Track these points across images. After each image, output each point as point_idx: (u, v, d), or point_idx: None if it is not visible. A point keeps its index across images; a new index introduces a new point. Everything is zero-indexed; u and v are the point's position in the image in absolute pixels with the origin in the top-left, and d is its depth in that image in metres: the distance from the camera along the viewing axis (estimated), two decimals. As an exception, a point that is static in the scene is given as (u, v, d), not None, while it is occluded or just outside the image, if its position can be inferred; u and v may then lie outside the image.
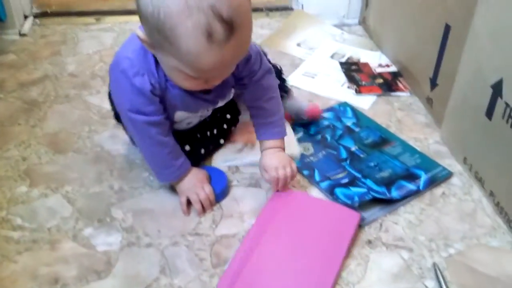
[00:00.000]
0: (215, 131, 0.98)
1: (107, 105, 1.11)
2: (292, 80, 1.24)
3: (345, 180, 0.92)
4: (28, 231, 0.83)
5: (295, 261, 0.77)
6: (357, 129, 1.06)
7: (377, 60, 1.33)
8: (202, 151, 0.95)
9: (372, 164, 0.97)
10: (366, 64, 1.31)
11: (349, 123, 1.08)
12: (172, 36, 0.66)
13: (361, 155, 0.99)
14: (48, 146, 1.01)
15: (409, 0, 1.19)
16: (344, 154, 0.99)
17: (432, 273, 0.78)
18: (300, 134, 1.04)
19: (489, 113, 0.86)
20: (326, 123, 1.08)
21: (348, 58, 1.35)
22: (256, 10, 1.53)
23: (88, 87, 1.19)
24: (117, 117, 0.97)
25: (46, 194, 0.90)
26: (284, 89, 1.03)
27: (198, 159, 0.94)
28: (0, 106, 1.12)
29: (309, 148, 1.01)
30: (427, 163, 0.97)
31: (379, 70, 1.29)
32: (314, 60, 1.34)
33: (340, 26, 1.52)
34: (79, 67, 1.27)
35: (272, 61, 0.94)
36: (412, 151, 1.01)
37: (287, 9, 1.59)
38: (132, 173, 0.95)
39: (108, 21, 1.51)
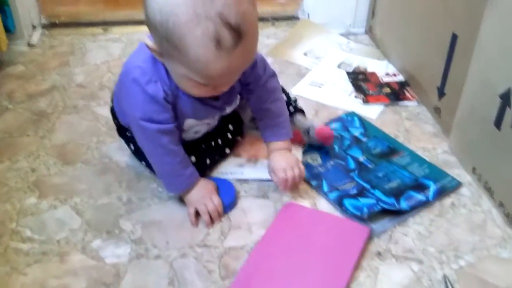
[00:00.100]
0: (219, 141, 0.98)
1: (114, 118, 1.12)
2: (298, 89, 1.24)
3: (354, 191, 0.92)
4: (37, 243, 0.83)
5: (304, 275, 0.76)
6: (365, 139, 1.06)
7: (384, 69, 1.33)
8: (208, 161, 0.95)
9: (380, 174, 0.96)
10: (373, 74, 1.31)
11: (356, 133, 1.08)
12: (181, 45, 0.67)
13: (369, 166, 0.99)
14: (57, 157, 1.01)
15: (415, 9, 1.19)
16: (352, 165, 0.99)
17: (443, 285, 0.77)
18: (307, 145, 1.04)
19: (498, 122, 0.86)
20: (333, 133, 1.08)
21: (355, 68, 1.35)
22: (262, 20, 1.53)
23: (96, 98, 1.20)
24: (120, 131, 0.98)
25: (55, 206, 0.90)
26: (296, 108, 1.04)
27: (204, 169, 0.94)
28: (9, 117, 1.13)
29: (317, 158, 1.01)
30: (436, 173, 0.97)
31: (386, 79, 1.29)
32: (321, 69, 1.35)
33: (346, 35, 1.52)
34: (87, 77, 1.28)
35: (278, 71, 0.95)
36: (421, 161, 1.00)
37: (293, 18, 1.59)
38: (141, 184, 0.95)
39: (115, 31, 1.52)
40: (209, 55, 0.67)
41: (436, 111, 1.12)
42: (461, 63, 0.99)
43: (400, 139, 1.07)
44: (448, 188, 0.94)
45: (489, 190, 0.92)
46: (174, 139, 0.83)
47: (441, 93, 1.09)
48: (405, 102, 1.20)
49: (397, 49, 1.33)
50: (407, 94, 1.22)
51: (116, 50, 1.41)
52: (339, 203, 0.90)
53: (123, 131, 0.96)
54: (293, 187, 0.89)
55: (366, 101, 1.20)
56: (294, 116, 1.02)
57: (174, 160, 0.84)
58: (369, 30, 1.51)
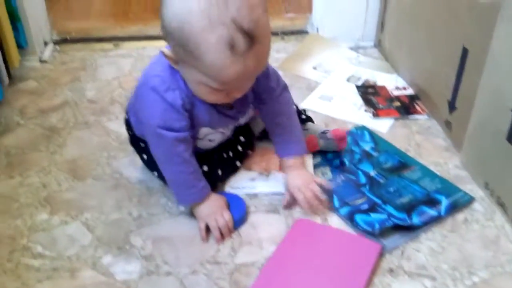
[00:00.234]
0: (230, 154, 0.98)
1: (125, 131, 1.12)
2: (308, 103, 1.24)
3: (365, 206, 0.92)
4: (48, 259, 0.83)
5: (316, 290, 0.76)
6: (375, 154, 1.06)
7: (393, 83, 1.33)
8: (219, 172, 0.95)
9: (391, 189, 0.96)
10: (383, 87, 1.31)
11: (367, 147, 1.08)
12: (196, 50, 0.69)
13: (381, 180, 0.98)
14: (68, 173, 1.02)
15: (425, 23, 1.19)
16: (363, 179, 0.99)
17: (456, 302, 0.76)
18: (318, 159, 1.03)
19: (510, 137, 0.85)
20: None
21: (365, 81, 1.35)
22: (271, 34, 1.54)
23: (107, 113, 1.21)
24: (133, 142, 0.98)
25: (66, 222, 0.90)
26: (306, 117, 1.08)
27: (215, 180, 0.94)
28: (21, 133, 1.14)
29: (327, 173, 1.00)
30: (448, 188, 0.96)
31: (396, 93, 1.29)
32: (330, 83, 1.35)
33: (356, 49, 1.52)
34: (98, 93, 1.29)
35: (287, 85, 0.96)
36: (432, 175, 0.99)
37: (302, 32, 1.60)
38: (151, 199, 0.95)
39: (126, 46, 1.53)
40: (224, 59, 0.69)
41: (447, 125, 1.11)
42: (472, 77, 0.98)
43: (411, 154, 1.07)
44: (460, 203, 0.93)
45: (502, 206, 0.91)
46: (188, 148, 0.84)
47: (452, 107, 1.08)
48: (416, 116, 1.19)
49: (407, 62, 1.33)
50: (417, 108, 1.22)
51: (126, 66, 1.42)
52: (350, 218, 0.89)
53: (137, 142, 0.96)
54: (312, 205, 0.89)
55: (376, 115, 1.20)
56: (305, 124, 1.05)
57: (188, 170, 0.85)
58: (378, 44, 1.51)
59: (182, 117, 0.81)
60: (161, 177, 0.92)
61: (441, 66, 1.11)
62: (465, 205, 0.93)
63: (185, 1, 0.68)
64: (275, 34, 1.57)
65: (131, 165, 1.03)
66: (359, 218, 0.89)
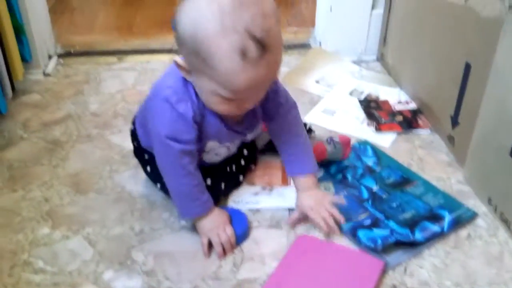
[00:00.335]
0: (233, 168, 0.98)
1: (128, 145, 1.12)
2: (311, 117, 1.24)
3: (368, 222, 0.91)
4: (49, 274, 0.83)
5: (318, 307, 0.75)
6: (378, 169, 1.05)
7: (396, 97, 1.33)
8: (222, 186, 0.95)
9: (394, 204, 0.95)
10: (385, 101, 1.31)
11: (369, 162, 1.07)
12: (209, 57, 0.70)
13: (383, 195, 0.98)
14: (70, 187, 1.02)
15: (427, 38, 1.19)
16: (365, 194, 0.98)
17: (460, 320, 0.75)
18: (321, 173, 1.03)
19: (514, 154, 0.85)
20: (346, 162, 1.07)
21: (367, 95, 1.35)
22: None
23: (110, 127, 1.21)
24: (138, 153, 0.99)
25: (68, 236, 0.90)
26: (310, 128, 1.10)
27: (218, 194, 0.94)
28: (24, 146, 1.14)
29: (330, 187, 1.00)
30: (451, 203, 0.96)
31: (398, 107, 1.29)
32: (333, 97, 1.35)
33: (358, 62, 1.53)
34: (102, 106, 1.29)
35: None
36: (435, 191, 0.99)
37: (305, 46, 1.60)
38: (153, 213, 0.95)
39: (129, 60, 1.54)
40: (235, 67, 0.69)
41: (450, 140, 1.11)
42: (474, 92, 0.98)
43: (414, 168, 1.07)
44: (463, 219, 0.93)
45: (505, 222, 0.90)
46: (194, 161, 0.84)
47: (454, 122, 1.08)
48: (418, 130, 1.19)
49: (409, 76, 1.33)
50: (420, 122, 1.22)
51: (130, 79, 1.43)
52: (353, 234, 0.89)
53: (141, 153, 0.97)
54: (329, 225, 0.88)
55: (378, 129, 1.20)
56: (311, 133, 1.07)
57: (192, 182, 0.85)
58: (381, 58, 1.52)
59: (192, 129, 0.82)
60: (164, 189, 0.92)
61: (444, 82, 1.11)
62: (468, 220, 0.93)
63: (199, 9, 0.69)
64: (278, 47, 1.58)
65: (133, 179, 1.03)
66: (361, 233, 0.88)
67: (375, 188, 1.00)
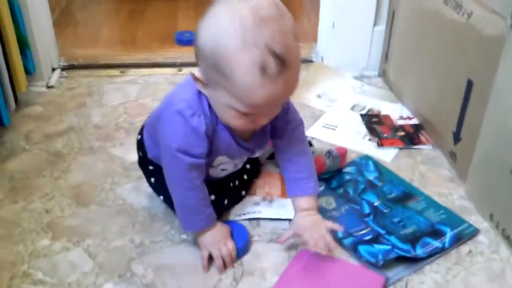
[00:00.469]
0: (237, 182, 0.98)
1: (130, 157, 1.13)
2: (312, 132, 1.25)
3: (369, 237, 0.91)
4: (48, 286, 0.82)
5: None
6: (379, 184, 1.05)
7: (398, 112, 1.33)
8: (226, 201, 0.95)
9: (396, 220, 0.95)
10: (387, 116, 1.32)
11: (371, 177, 1.07)
12: (228, 71, 0.70)
13: (385, 211, 0.98)
14: (71, 199, 1.02)
15: (429, 54, 1.20)
16: (367, 209, 0.98)
17: (462, 337, 0.75)
18: (322, 187, 1.03)
19: (516, 170, 0.85)
20: (348, 177, 1.07)
21: (369, 110, 1.36)
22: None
23: (112, 139, 1.21)
24: (143, 164, 0.99)
25: (68, 248, 0.90)
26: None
27: (221, 209, 0.94)
28: (26, 158, 1.15)
29: (331, 202, 1.00)
30: (453, 219, 0.96)
31: (400, 122, 1.29)
32: (335, 112, 1.35)
33: (360, 78, 1.53)
34: (104, 119, 1.30)
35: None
36: (437, 206, 0.99)
37: (307, 61, 1.61)
38: (154, 226, 0.95)
39: (132, 73, 1.55)
40: (254, 82, 0.69)
41: (452, 156, 1.11)
42: (477, 108, 0.99)
43: (415, 184, 1.06)
44: (465, 235, 0.92)
45: (507, 238, 0.90)
46: (201, 175, 0.84)
47: (456, 138, 1.08)
48: (420, 146, 1.19)
49: (411, 92, 1.34)
50: (422, 138, 1.22)
51: (132, 92, 1.43)
52: (354, 249, 0.88)
53: (146, 164, 0.97)
54: (324, 249, 0.84)
55: (380, 144, 1.20)
56: (311, 147, 1.06)
57: (198, 196, 0.85)
58: (383, 73, 1.52)
59: (203, 143, 0.81)
60: (167, 201, 0.92)
61: (446, 98, 1.12)
62: (470, 237, 0.92)
63: (221, 24, 0.70)
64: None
65: (134, 191, 1.03)
66: (362, 249, 0.88)
67: (376, 203, 1.00)
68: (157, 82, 1.49)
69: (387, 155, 1.16)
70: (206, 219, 0.86)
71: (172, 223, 0.95)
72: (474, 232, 0.93)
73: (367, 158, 1.14)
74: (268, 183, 1.04)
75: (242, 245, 0.88)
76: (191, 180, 0.83)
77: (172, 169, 0.85)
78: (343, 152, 1.08)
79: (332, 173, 1.07)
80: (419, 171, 1.11)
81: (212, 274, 0.85)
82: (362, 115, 1.32)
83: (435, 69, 1.18)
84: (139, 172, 1.07)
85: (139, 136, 0.98)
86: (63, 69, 1.55)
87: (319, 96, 1.43)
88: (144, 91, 1.44)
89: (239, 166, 0.95)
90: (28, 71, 1.37)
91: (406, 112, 1.33)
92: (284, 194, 1.01)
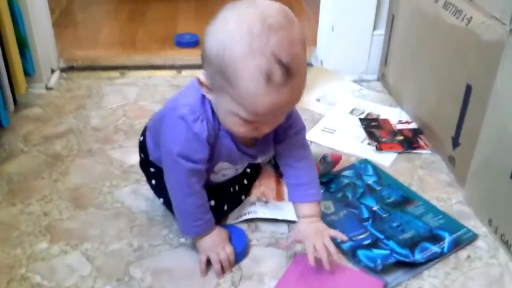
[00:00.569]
0: (237, 187, 0.98)
1: (129, 160, 1.13)
2: (311, 135, 1.25)
3: (367, 241, 0.91)
4: (46, 290, 0.82)
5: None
6: (378, 188, 1.05)
7: (397, 117, 1.34)
8: (225, 207, 0.95)
9: (394, 224, 0.95)
10: (386, 121, 1.32)
11: (370, 181, 1.07)
12: (233, 77, 0.69)
13: (383, 215, 0.98)
14: (70, 201, 1.01)
15: (428, 59, 1.20)
16: (365, 214, 0.98)
17: None
18: (321, 191, 1.02)
19: (514, 176, 0.85)
20: (346, 180, 1.07)
21: (368, 114, 1.36)
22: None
23: (111, 142, 1.21)
24: (144, 166, 0.98)
25: (66, 251, 0.90)
26: None
27: (220, 214, 0.94)
28: (24, 160, 1.14)
29: (330, 206, 1.00)
30: (451, 224, 0.96)
31: (399, 126, 1.29)
32: (334, 115, 1.35)
33: (359, 82, 1.53)
34: (103, 121, 1.30)
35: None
36: (436, 211, 0.99)
37: (306, 65, 1.61)
38: (152, 230, 0.95)
39: (132, 75, 1.54)
40: (259, 89, 0.69)
41: (451, 161, 1.11)
42: (476, 114, 0.99)
43: (414, 188, 1.07)
44: (463, 240, 0.92)
45: (506, 243, 0.90)
46: (200, 181, 0.84)
47: (455, 143, 1.08)
48: (419, 150, 1.20)
49: (410, 97, 1.34)
50: (421, 143, 1.22)
51: (132, 94, 1.43)
52: (352, 254, 0.88)
53: (148, 166, 0.96)
54: (326, 259, 0.83)
55: (379, 148, 1.20)
56: None
57: (197, 202, 0.84)
58: (382, 78, 1.52)
59: (204, 149, 0.81)
60: (166, 204, 0.92)
61: (445, 103, 1.12)
62: (469, 242, 0.93)
63: (228, 30, 0.70)
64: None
65: (133, 195, 1.03)
66: (361, 253, 0.88)
67: (375, 207, 1.00)
68: (156, 84, 1.49)
69: (386, 159, 1.16)
70: (204, 225, 0.86)
71: (170, 227, 0.94)
72: (473, 237, 0.93)
73: (366, 162, 1.14)
74: (264, 183, 1.04)
75: (241, 249, 0.88)
76: (191, 185, 0.83)
77: (173, 174, 0.84)
78: (337, 159, 1.08)
79: (331, 177, 1.07)
80: (418, 175, 1.11)
81: (210, 279, 0.85)
82: (361, 119, 1.32)
83: (434, 73, 1.18)
84: (138, 175, 1.08)
85: (141, 138, 0.97)
86: (62, 70, 1.55)
87: (318, 100, 1.43)
88: (143, 93, 1.44)
89: (240, 170, 0.95)
90: (27, 73, 1.37)
91: (405, 116, 1.34)
92: (279, 197, 1.01)
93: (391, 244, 0.90)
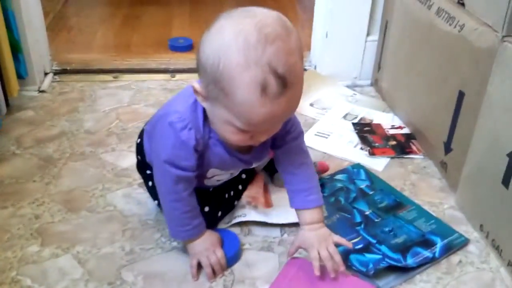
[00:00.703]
0: (232, 193, 0.98)
1: (121, 163, 1.13)
2: (305, 139, 1.24)
3: (360, 246, 0.91)
4: (37, 293, 0.82)
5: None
6: (371, 192, 1.06)
7: (389, 122, 1.34)
8: (219, 213, 0.95)
9: (387, 229, 0.95)
10: (379, 125, 1.32)
11: (362, 185, 1.08)
12: (228, 87, 0.68)
13: (376, 220, 0.98)
14: (62, 204, 1.01)
15: (421, 65, 1.21)
16: (358, 218, 0.98)
17: None
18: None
19: (506, 181, 0.86)
20: (339, 185, 1.07)
21: (361, 119, 1.36)
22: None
23: (104, 145, 1.21)
24: (141, 168, 0.98)
25: (57, 254, 0.89)
26: None
27: (215, 221, 0.94)
28: (16, 162, 1.14)
29: (323, 210, 1.00)
30: (443, 229, 0.96)
31: (392, 131, 1.29)
32: (327, 120, 1.36)
33: (352, 87, 1.54)
34: (96, 124, 1.29)
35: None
36: (428, 216, 0.99)
37: (303, 75, 1.62)
38: (144, 233, 0.94)
39: (126, 79, 1.54)
40: (254, 100, 0.68)
41: (443, 166, 1.12)
42: (468, 120, 0.99)
43: (406, 193, 1.07)
44: (455, 245, 0.93)
45: (497, 249, 0.90)
46: (188, 188, 0.83)
47: (447, 148, 1.09)
48: (411, 155, 1.20)
49: (403, 102, 1.35)
50: (413, 148, 1.22)
51: (125, 98, 1.43)
52: (345, 258, 0.88)
53: (144, 168, 0.96)
54: (330, 268, 0.83)
55: (372, 153, 1.20)
56: None
57: (184, 209, 0.84)
58: (375, 83, 1.53)
59: (191, 156, 0.80)
60: (161, 206, 0.92)
61: (438, 108, 1.12)
62: (460, 247, 0.93)
63: (224, 39, 0.68)
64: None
65: (125, 198, 1.03)
66: (353, 258, 0.88)
67: (368, 211, 1.00)
68: (150, 88, 1.49)
69: (378, 164, 1.17)
70: (192, 230, 0.86)
71: (162, 231, 0.94)
72: (465, 242, 0.94)
73: (358, 166, 1.14)
74: (254, 186, 1.04)
75: (233, 253, 0.88)
76: (177, 192, 0.82)
77: (160, 179, 0.84)
78: (323, 169, 1.10)
79: (324, 181, 1.07)
80: (410, 180, 1.12)
81: (203, 282, 0.84)
82: (354, 124, 1.33)
83: (427, 79, 1.19)
84: (130, 179, 1.08)
85: (139, 140, 0.97)
86: (55, 73, 1.54)
87: (312, 105, 1.43)
88: (137, 96, 1.44)
89: (235, 174, 0.95)
90: (20, 76, 1.37)
91: (397, 122, 1.34)
92: (267, 205, 1.01)
93: (383, 248, 0.90)
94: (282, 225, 0.96)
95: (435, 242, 0.92)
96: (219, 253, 0.86)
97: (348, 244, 0.86)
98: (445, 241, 0.93)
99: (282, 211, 0.96)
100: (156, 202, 0.95)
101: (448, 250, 0.91)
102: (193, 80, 0.76)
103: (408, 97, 1.31)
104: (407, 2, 1.28)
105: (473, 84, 0.98)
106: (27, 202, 1.01)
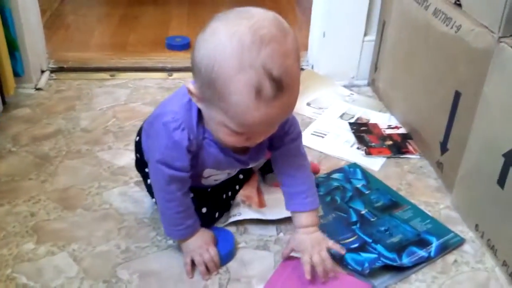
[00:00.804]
0: (229, 194, 0.98)
1: (118, 162, 1.13)
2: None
3: (355, 245, 0.91)
4: (32, 291, 0.82)
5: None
6: (367, 192, 1.06)
7: (386, 122, 1.34)
8: (217, 214, 0.95)
9: (382, 228, 0.96)
10: (375, 125, 1.32)
11: (359, 185, 1.08)
12: (222, 90, 0.67)
13: (372, 219, 0.98)
14: (57, 202, 1.01)
15: (419, 65, 1.21)
16: (354, 217, 0.98)
17: None
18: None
19: (501, 181, 0.86)
20: (335, 184, 1.08)
21: (358, 119, 1.36)
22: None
23: (100, 143, 1.21)
24: (139, 166, 0.98)
25: (53, 252, 0.89)
26: None
27: (212, 221, 0.94)
28: (13, 160, 1.14)
29: (319, 210, 1.00)
30: (439, 229, 0.96)
31: (388, 131, 1.30)
32: (324, 119, 1.36)
33: (349, 87, 1.54)
34: (92, 122, 1.29)
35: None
36: (423, 216, 0.99)
37: (299, 77, 1.62)
38: (140, 232, 0.94)
39: (122, 77, 1.54)
40: (248, 103, 0.67)
41: (439, 166, 1.12)
42: (464, 120, 1.00)
43: (402, 193, 1.07)
44: (450, 244, 0.93)
45: (492, 248, 0.91)
46: (182, 188, 0.83)
47: (443, 148, 1.09)
48: (407, 155, 1.20)
49: (400, 102, 1.35)
50: (410, 148, 1.23)
51: (122, 96, 1.43)
52: (340, 257, 0.88)
53: (143, 166, 0.95)
54: (322, 272, 0.83)
55: (368, 152, 1.20)
56: None
57: (177, 209, 0.84)
58: (372, 83, 1.53)
59: (184, 157, 0.80)
60: None
61: (434, 108, 1.13)
62: (456, 246, 0.93)
63: (219, 42, 0.67)
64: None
65: (121, 196, 1.03)
66: (349, 257, 0.88)
67: (363, 211, 1.00)
68: (147, 86, 1.49)
69: (375, 164, 1.17)
70: (185, 230, 0.85)
71: (158, 229, 0.94)
72: (460, 242, 0.94)
73: (355, 166, 1.14)
74: (249, 186, 1.04)
75: (227, 251, 0.88)
76: (171, 192, 0.82)
77: (154, 178, 0.84)
78: (314, 171, 1.09)
79: (320, 180, 1.07)
80: (406, 180, 1.12)
81: (198, 281, 0.84)
82: (351, 124, 1.33)
83: (423, 80, 1.19)
84: (127, 177, 1.08)
85: (137, 138, 0.96)
86: (52, 71, 1.54)
87: (309, 104, 1.43)
88: (133, 95, 1.43)
89: (233, 174, 0.95)
90: (16, 73, 1.36)
91: (394, 122, 1.34)
92: (261, 206, 1.01)
93: (379, 248, 0.90)
94: (278, 224, 0.96)
95: (430, 242, 0.93)
96: (212, 251, 0.86)
97: (341, 250, 0.86)
98: (441, 240, 0.93)
99: (276, 209, 0.96)
100: (154, 200, 0.95)
101: (444, 249, 0.92)
102: (188, 81, 0.76)
103: (404, 97, 1.32)
104: (404, 2, 1.28)
105: (470, 85, 0.98)
106: (22, 200, 1.01)
